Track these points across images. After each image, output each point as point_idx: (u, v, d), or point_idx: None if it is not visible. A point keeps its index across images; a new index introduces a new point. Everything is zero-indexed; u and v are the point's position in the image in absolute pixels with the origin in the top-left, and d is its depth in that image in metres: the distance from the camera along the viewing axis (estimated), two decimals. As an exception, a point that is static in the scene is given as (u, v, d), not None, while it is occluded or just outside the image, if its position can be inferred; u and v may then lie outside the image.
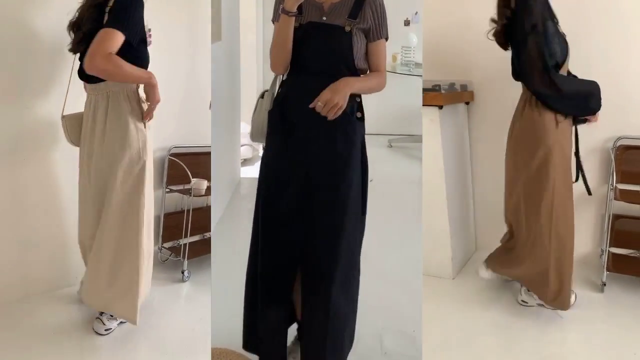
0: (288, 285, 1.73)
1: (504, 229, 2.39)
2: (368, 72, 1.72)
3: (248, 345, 1.84)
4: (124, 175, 2.01)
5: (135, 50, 1.92)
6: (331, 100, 1.59)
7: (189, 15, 2.88)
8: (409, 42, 4.61)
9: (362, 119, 1.72)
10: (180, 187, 2.84)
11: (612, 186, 2.47)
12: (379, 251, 2.57)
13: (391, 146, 4.79)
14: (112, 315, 2.14)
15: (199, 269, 2.75)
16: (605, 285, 2.45)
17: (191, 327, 2.22)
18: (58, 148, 2.35)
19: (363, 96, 1.72)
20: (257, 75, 4.84)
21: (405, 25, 4.94)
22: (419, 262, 2.53)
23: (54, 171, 2.39)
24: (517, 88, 2.22)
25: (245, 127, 4.27)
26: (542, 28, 1.95)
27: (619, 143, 2.51)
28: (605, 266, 2.44)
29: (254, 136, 1.80)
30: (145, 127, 2.07)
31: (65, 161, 2.33)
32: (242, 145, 4.16)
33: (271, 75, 1.76)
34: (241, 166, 4.10)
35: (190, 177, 2.73)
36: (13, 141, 2.26)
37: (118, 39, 1.83)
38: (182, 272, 2.70)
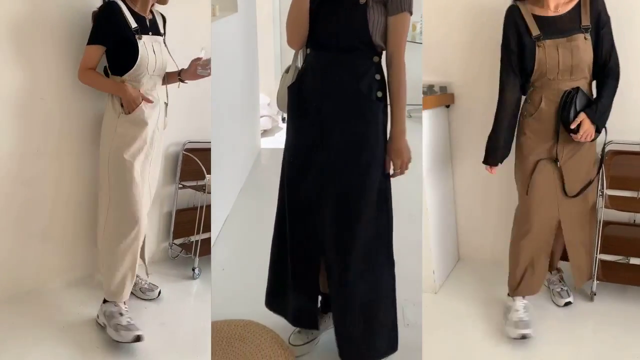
0: (314, 269, 1.80)
1: (488, 234, 2.37)
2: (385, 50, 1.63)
3: (272, 305, 1.95)
4: (102, 172, 2.13)
5: (116, 53, 2.04)
6: (403, 165, 1.65)
7: (206, 9, 2.87)
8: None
9: (383, 99, 1.64)
10: (194, 183, 2.84)
11: (602, 192, 2.39)
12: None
13: (410, 116, 4.59)
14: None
15: (210, 267, 2.74)
16: (595, 294, 2.40)
17: (201, 326, 2.22)
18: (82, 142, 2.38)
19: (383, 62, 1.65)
20: (274, 47, 4.84)
21: None
22: (419, 252, 2.44)
23: (74, 165, 2.40)
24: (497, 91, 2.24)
25: (264, 99, 4.32)
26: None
27: (608, 148, 2.39)
28: (595, 275, 2.38)
29: (279, 107, 1.82)
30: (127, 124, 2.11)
31: (85, 156, 2.38)
32: (261, 117, 4.15)
33: (290, 48, 1.72)
34: (261, 137, 4.11)
35: (205, 173, 2.72)
36: (32, 130, 2.27)
37: (92, 53, 2.03)
38: (193, 270, 2.71)
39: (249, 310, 2.12)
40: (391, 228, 1.74)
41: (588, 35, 2.05)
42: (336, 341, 1.79)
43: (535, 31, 2.09)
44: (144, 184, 2.17)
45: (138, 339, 1.97)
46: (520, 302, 2.24)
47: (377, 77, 1.63)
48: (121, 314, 2.07)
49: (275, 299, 1.93)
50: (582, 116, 2.06)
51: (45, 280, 2.43)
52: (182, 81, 2.26)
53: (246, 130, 3.50)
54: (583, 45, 2.05)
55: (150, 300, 2.42)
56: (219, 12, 2.90)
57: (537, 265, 2.24)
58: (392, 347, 1.81)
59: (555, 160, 2.14)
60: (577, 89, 2.07)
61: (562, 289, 2.42)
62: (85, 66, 2.06)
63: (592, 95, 2.14)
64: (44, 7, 2.20)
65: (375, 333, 1.75)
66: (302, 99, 1.67)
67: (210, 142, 2.85)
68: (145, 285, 2.46)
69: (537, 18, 2.10)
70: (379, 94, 1.63)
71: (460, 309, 2.40)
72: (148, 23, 2.09)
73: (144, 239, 2.29)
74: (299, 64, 1.71)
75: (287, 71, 1.76)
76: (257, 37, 3.90)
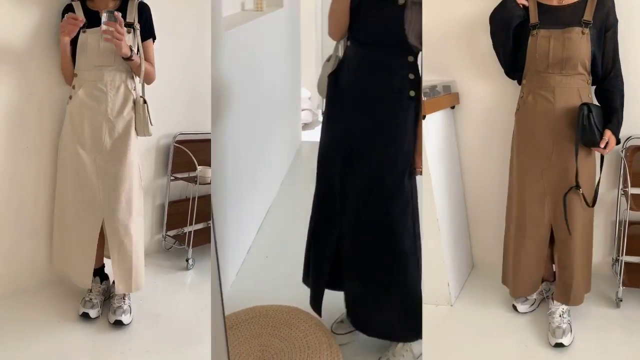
0: (330, 258, 1.85)
1: (501, 238, 2.28)
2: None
3: (307, 281, 2.01)
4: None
5: (73, 48, 2.15)
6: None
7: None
8: None
9: (416, 98, 1.66)
10: (186, 174, 2.83)
11: (623, 191, 2.35)
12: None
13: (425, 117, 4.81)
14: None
15: (204, 257, 2.75)
16: (621, 300, 2.31)
17: (196, 316, 2.23)
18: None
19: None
20: (315, 42, 4.89)
21: None
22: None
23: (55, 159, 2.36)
24: (506, 86, 2.20)
25: (306, 92, 4.39)
26: None
27: (629, 143, 2.34)
28: (621, 280, 2.29)
29: (319, 92, 1.87)
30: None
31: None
32: (302, 110, 4.24)
33: (332, 42, 1.81)
34: (302, 130, 4.20)
35: (197, 164, 2.72)
36: (20, 126, 2.25)
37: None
38: (187, 260, 2.71)
39: (292, 296, 2.16)
40: (418, 227, 1.79)
41: (587, 30, 1.97)
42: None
43: (533, 19, 2.02)
44: (99, 174, 2.16)
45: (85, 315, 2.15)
46: (558, 308, 2.16)
47: (411, 76, 1.65)
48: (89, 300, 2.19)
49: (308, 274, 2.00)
50: (609, 133, 2.00)
51: (40, 276, 2.41)
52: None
53: (288, 123, 3.58)
54: (578, 39, 1.97)
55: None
56: (265, 7, 2.93)
57: (528, 264, 2.18)
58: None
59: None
60: (588, 106, 1.97)
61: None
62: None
63: (590, 93, 2.06)
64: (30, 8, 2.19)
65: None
66: (338, 90, 1.74)
67: (201, 133, 2.83)
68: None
69: (540, 6, 2.04)
70: (412, 93, 1.65)
71: (478, 320, 2.27)
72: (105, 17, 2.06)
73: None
74: (340, 53, 1.77)
75: (328, 60, 1.82)
76: (300, 32, 3.97)
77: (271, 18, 2.88)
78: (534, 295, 2.28)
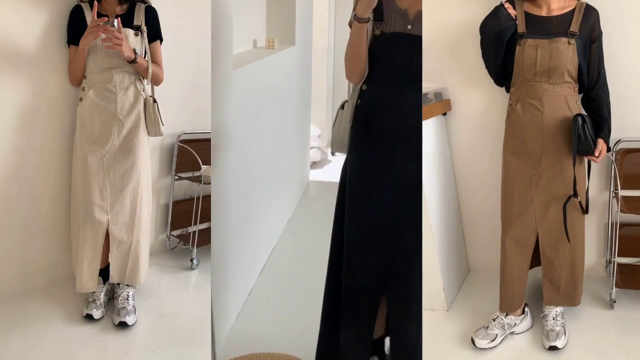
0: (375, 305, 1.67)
1: (496, 242, 2.26)
2: None
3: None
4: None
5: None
6: None
7: (199, 1, 2.88)
8: None
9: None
10: (190, 174, 2.86)
11: (614, 193, 2.40)
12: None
13: None
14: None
15: (208, 257, 2.75)
16: (615, 302, 2.35)
17: (200, 316, 2.26)
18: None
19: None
20: (327, 79, 4.85)
21: None
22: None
23: (63, 159, 2.41)
24: (497, 93, 2.23)
25: (315, 130, 4.28)
26: None
27: (618, 146, 2.40)
28: (614, 282, 2.33)
29: (334, 147, 1.76)
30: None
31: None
32: (311, 148, 4.09)
33: (342, 79, 1.77)
34: (310, 169, 4.03)
35: (201, 164, 2.74)
36: (30, 127, 2.29)
37: (70, 53, 2.27)
38: (191, 260, 2.74)
39: (291, 343, 2.03)
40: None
41: (573, 41, 2.02)
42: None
43: (521, 28, 2.07)
44: (106, 173, 2.21)
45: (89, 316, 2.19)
46: (551, 311, 2.19)
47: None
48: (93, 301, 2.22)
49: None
50: (602, 142, 2.06)
51: (45, 276, 2.46)
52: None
53: (296, 161, 3.47)
54: (564, 49, 2.02)
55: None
56: (277, 45, 2.92)
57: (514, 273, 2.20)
58: None
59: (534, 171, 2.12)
60: (582, 116, 2.02)
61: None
62: (70, 65, 2.28)
63: (577, 101, 2.11)
64: (40, 10, 2.23)
65: None
66: (367, 133, 1.63)
67: (205, 133, 2.86)
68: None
69: (527, 16, 2.09)
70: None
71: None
72: (112, 21, 2.10)
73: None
74: (356, 100, 1.66)
75: (342, 107, 1.73)
76: (311, 70, 3.91)
77: (283, 56, 2.86)
78: (495, 330, 2.17)
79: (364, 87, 1.63)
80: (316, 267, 1.93)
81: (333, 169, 3.87)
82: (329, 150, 4.43)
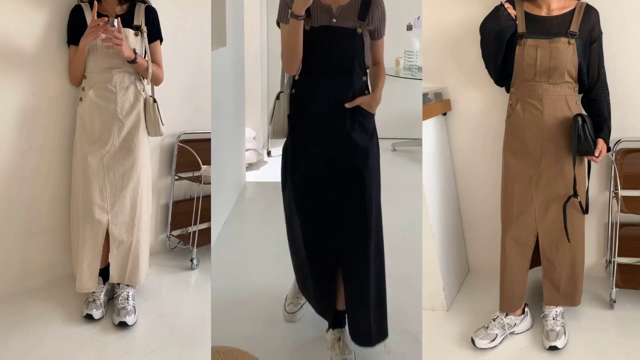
0: (332, 265, 1.91)
1: (496, 241, 2.27)
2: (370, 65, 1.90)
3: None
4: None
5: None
6: (372, 106, 1.86)
7: (199, 1, 2.89)
8: (411, 47, 4.68)
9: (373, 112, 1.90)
10: (190, 174, 2.86)
11: (614, 193, 2.40)
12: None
13: (395, 150, 4.87)
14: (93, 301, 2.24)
15: (208, 257, 2.77)
16: (615, 302, 2.35)
17: (200, 316, 2.26)
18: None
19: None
20: (261, 82, 4.86)
21: (407, 30, 5.04)
22: (419, 262, 2.47)
23: (63, 159, 2.41)
24: (497, 93, 2.23)
25: (250, 132, 4.39)
26: None
27: (618, 146, 2.40)
28: (614, 282, 2.33)
29: (275, 134, 1.95)
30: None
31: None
32: (247, 150, 4.21)
33: (275, 84, 1.86)
34: (246, 170, 4.16)
35: (201, 164, 2.74)
36: (30, 127, 2.29)
37: (70, 53, 2.26)
38: (191, 260, 2.74)
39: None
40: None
41: (573, 41, 2.03)
42: (350, 326, 1.95)
43: (521, 28, 2.07)
44: (106, 173, 2.21)
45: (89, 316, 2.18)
46: (551, 311, 2.19)
47: (367, 92, 1.87)
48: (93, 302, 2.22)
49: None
50: (602, 142, 2.06)
51: (45, 276, 2.46)
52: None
53: (232, 163, 3.53)
54: (564, 49, 2.02)
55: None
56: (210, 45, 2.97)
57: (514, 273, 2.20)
58: (386, 333, 1.95)
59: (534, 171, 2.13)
60: (582, 116, 2.02)
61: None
62: (70, 65, 2.28)
63: (577, 101, 2.11)
64: (40, 9, 2.23)
65: (384, 317, 1.94)
66: (306, 119, 1.85)
67: (205, 133, 2.87)
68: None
69: (527, 16, 2.09)
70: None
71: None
72: (112, 21, 2.11)
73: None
74: (290, 89, 1.87)
75: (278, 97, 1.92)
76: (244, 72, 3.97)
77: (215, 56, 2.89)
78: (495, 330, 2.19)
79: (297, 78, 1.84)
80: (251, 263, 2.24)
81: (269, 170, 3.93)
82: (265, 151, 4.57)
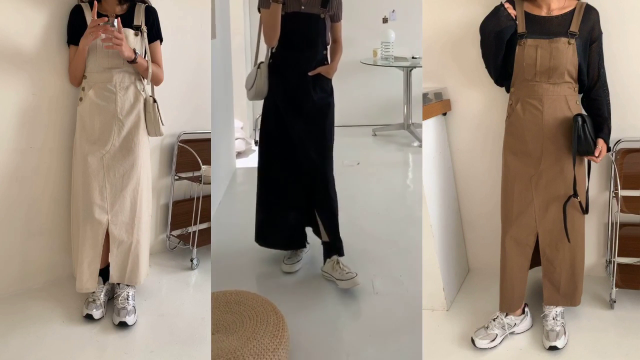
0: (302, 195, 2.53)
1: (496, 241, 2.27)
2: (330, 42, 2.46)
3: (262, 241, 2.63)
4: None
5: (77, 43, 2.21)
6: (330, 73, 2.43)
7: (199, 1, 2.90)
8: (387, 38, 5.14)
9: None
10: (190, 174, 2.86)
11: (614, 193, 2.40)
12: (372, 218, 3.21)
13: (375, 135, 5.21)
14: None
15: (208, 257, 2.77)
16: (615, 302, 2.35)
17: (201, 316, 2.26)
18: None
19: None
20: (246, 74, 5.02)
21: (383, 22, 5.50)
22: (419, 262, 2.47)
23: (63, 159, 2.41)
24: (497, 93, 2.23)
25: (238, 123, 4.74)
26: None
27: (618, 146, 2.39)
28: (614, 282, 2.33)
29: (256, 95, 2.45)
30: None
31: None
32: (236, 139, 4.56)
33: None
34: (236, 158, 4.56)
35: (201, 164, 2.75)
36: (30, 127, 2.29)
37: (70, 53, 2.27)
38: (191, 260, 2.74)
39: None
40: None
41: (573, 41, 2.03)
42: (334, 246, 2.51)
43: (521, 28, 2.07)
44: (106, 173, 2.21)
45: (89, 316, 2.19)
46: (551, 311, 2.19)
47: (326, 62, 2.43)
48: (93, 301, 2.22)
49: (265, 235, 2.62)
50: (602, 142, 2.06)
51: (44, 276, 2.46)
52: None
53: (223, 151, 3.80)
54: (564, 49, 2.02)
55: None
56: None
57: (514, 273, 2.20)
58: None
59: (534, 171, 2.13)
60: (582, 116, 2.02)
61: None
62: (70, 65, 2.28)
63: (577, 101, 2.11)
64: (40, 9, 2.23)
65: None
66: (281, 85, 2.40)
67: (205, 133, 2.88)
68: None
69: (527, 16, 2.09)
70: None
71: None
72: (112, 21, 2.11)
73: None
74: (269, 60, 2.41)
75: (258, 67, 2.42)
76: (232, 64, 4.22)
77: (205, 47, 2.99)
78: (495, 330, 2.19)
79: (274, 50, 2.38)
80: (247, 239, 2.64)
81: (256, 157, 4.29)
82: (252, 140, 5.02)
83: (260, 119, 2.55)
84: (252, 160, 4.55)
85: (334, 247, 2.50)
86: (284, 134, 2.44)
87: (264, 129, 2.50)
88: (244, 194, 3.74)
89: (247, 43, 5.19)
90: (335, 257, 2.47)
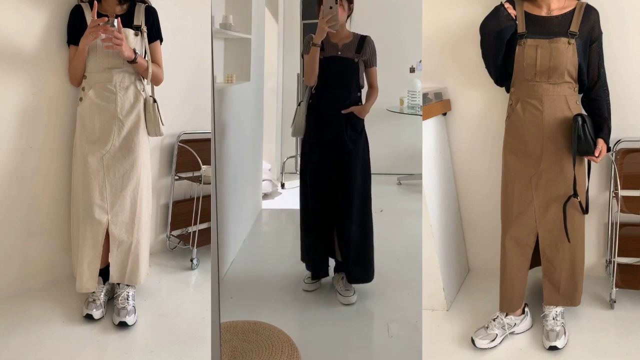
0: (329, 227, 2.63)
1: (496, 241, 2.27)
2: (365, 86, 2.58)
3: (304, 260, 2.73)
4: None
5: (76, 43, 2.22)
6: (362, 113, 2.53)
7: (199, 1, 2.91)
8: (414, 87, 5.17)
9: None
10: (190, 174, 2.87)
11: (614, 193, 2.40)
12: (386, 260, 2.93)
13: (400, 184, 5.22)
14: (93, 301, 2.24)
15: (208, 257, 2.78)
16: (615, 302, 2.35)
17: (200, 316, 2.26)
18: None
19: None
20: (276, 116, 5.16)
21: (410, 72, 5.56)
22: (419, 262, 2.50)
23: (63, 159, 2.41)
24: (497, 93, 2.24)
25: (266, 165, 4.79)
26: None
27: (618, 147, 2.39)
28: (614, 282, 2.34)
29: (295, 132, 2.62)
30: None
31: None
32: (263, 180, 4.56)
33: (289, 121, 2.68)
34: (262, 199, 4.57)
35: (201, 164, 2.75)
36: (30, 127, 2.29)
37: (70, 53, 2.28)
38: (191, 260, 2.75)
39: None
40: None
41: (573, 41, 2.03)
42: (345, 268, 2.59)
43: (521, 28, 2.07)
44: (106, 173, 2.21)
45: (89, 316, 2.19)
46: (551, 311, 2.19)
47: (360, 104, 2.55)
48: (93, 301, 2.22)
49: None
50: (602, 142, 2.05)
51: (45, 276, 2.46)
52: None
53: (250, 192, 3.85)
54: (564, 49, 2.02)
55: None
56: (235, 80, 3.24)
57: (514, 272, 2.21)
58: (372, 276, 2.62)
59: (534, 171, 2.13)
60: (582, 116, 2.02)
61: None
62: (70, 65, 2.28)
63: (577, 101, 2.11)
64: (40, 9, 2.23)
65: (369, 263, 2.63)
66: (317, 121, 2.55)
67: (205, 133, 2.88)
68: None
69: (527, 16, 2.09)
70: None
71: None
72: (112, 21, 2.11)
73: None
74: (308, 99, 2.58)
75: (299, 105, 2.61)
76: (263, 107, 4.28)
77: (239, 89, 3.12)
78: (495, 330, 2.18)
79: (313, 91, 2.55)
80: (270, 279, 2.72)
81: (282, 200, 4.50)
82: (279, 183, 5.04)
83: (286, 163, 2.78)
84: (277, 203, 4.63)
85: (343, 266, 2.62)
86: (317, 167, 2.58)
87: (302, 163, 2.67)
88: (268, 234, 3.81)
89: (279, 86, 5.25)
90: (342, 274, 2.61)
